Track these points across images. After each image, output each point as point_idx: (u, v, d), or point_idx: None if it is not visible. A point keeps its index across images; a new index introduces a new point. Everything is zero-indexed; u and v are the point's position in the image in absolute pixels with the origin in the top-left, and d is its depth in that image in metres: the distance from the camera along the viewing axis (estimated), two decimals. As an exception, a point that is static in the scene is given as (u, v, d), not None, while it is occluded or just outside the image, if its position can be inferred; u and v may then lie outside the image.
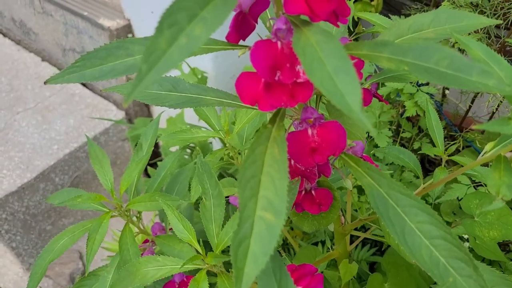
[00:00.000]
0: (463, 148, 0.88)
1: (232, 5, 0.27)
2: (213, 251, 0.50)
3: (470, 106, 0.90)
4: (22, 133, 1.36)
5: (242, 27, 0.38)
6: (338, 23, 0.35)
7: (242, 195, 0.31)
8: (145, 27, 1.25)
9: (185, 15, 0.25)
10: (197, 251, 0.51)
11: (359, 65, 0.40)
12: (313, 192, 0.45)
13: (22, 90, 1.51)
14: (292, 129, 0.40)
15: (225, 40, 0.39)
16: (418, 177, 0.77)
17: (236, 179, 0.75)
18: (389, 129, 0.92)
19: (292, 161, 0.41)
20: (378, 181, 0.39)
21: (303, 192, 0.45)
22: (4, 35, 1.80)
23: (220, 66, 1.16)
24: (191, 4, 0.26)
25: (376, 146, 0.86)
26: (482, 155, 0.41)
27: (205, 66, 1.14)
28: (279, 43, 0.33)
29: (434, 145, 1.03)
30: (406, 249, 0.36)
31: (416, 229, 0.37)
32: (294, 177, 0.42)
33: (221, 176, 0.94)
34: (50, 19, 1.50)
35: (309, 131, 0.39)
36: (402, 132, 0.88)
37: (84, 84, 1.53)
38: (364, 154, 0.51)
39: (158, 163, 0.69)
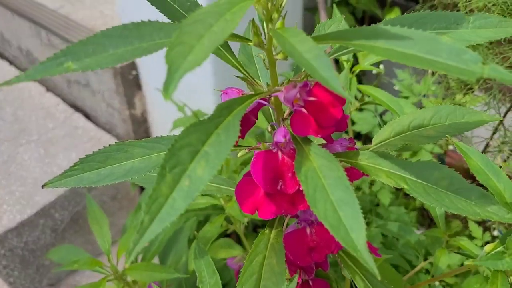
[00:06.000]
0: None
1: (234, 137, 0.26)
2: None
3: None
4: (24, 166, 1.36)
5: (242, 126, 0.38)
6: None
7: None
8: (150, 66, 1.26)
9: (187, 152, 0.25)
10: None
11: (355, 174, 0.39)
12: (310, 282, 0.44)
13: (26, 122, 1.51)
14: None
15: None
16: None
17: (231, 239, 0.74)
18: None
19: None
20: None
21: (301, 282, 0.44)
22: (11, 62, 1.81)
23: (222, 108, 1.16)
24: (193, 140, 0.25)
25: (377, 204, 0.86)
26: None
27: (208, 108, 1.15)
28: (279, 153, 0.33)
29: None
30: None
31: None
32: (292, 270, 0.41)
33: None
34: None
35: (308, 230, 0.38)
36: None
37: (87, 117, 1.54)
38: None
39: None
